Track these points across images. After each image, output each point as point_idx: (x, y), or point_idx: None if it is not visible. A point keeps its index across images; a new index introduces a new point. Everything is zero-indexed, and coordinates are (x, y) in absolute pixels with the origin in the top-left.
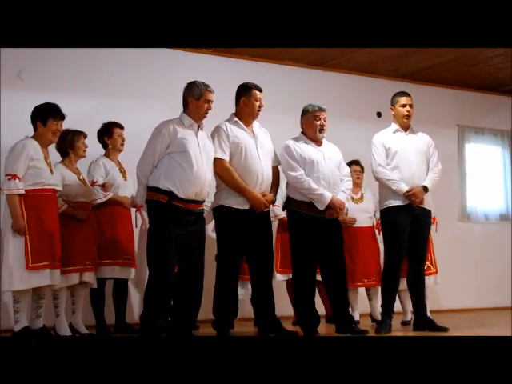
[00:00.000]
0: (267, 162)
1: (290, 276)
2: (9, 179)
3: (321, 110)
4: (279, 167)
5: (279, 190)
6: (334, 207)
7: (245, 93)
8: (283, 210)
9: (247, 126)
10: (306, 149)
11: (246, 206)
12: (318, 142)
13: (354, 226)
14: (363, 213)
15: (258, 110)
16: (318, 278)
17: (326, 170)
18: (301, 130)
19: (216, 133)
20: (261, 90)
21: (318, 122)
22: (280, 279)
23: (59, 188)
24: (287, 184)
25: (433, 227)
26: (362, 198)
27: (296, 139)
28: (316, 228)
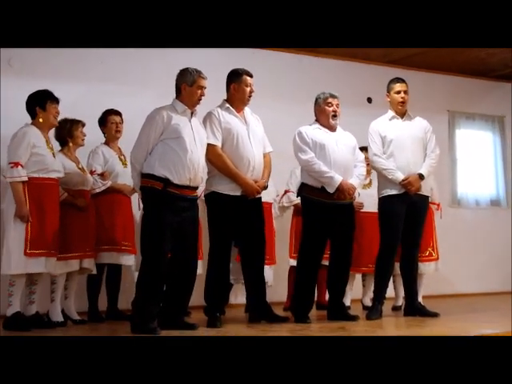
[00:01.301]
0: (259, 149)
1: None
2: (12, 167)
3: (332, 96)
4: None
5: (294, 176)
6: (342, 190)
7: (235, 79)
8: (297, 196)
9: (239, 112)
10: (319, 134)
11: (238, 192)
12: (332, 129)
13: (362, 210)
14: (371, 198)
15: (249, 96)
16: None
17: (337, 155)
18: (314, 117)
19: (208, 119)
20: (251, 76)
21: (331, 109)
22: (293, 265)
23: (61, 175)
24: (301, 170)
25: (437, 213)
26: (370, 183)
27: (310, 125)
28: (327, 215)
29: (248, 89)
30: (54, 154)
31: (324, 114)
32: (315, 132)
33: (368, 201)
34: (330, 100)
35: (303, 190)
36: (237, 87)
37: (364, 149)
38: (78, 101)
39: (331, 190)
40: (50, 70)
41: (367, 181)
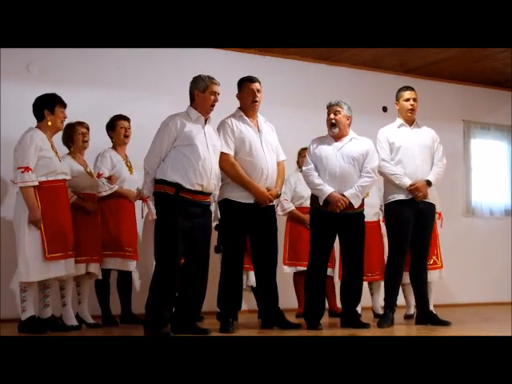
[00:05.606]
0: (272, 157)
1: (298, 269)
2: (22, 172)
3: (329, 105)
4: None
5: (288, 184)
6: (331, 203)
7: (239, 87)
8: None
9: (252, 120)
10: (324, 143)
11: (251, 200)
12: (335, 138)
13: None
14: (368, 207)
15: (254, 102)
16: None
17: (333, 165)
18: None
19: (221, 128)
20: (252, 81)
21: (328, 118)
22: (287, 271)
23: (68, 177)
24: None
25: (438, 222)
26: (367, 193)
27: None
28: (331, 224)
29: (250, 95)
30: (59, 157)
31: (327, 124)
32: (321, 142)
33: (367, 210)
34: (328, 109)
35: (312, 199)
36: (240, 96)
37: None
38: (95, 106)
39: (321, 202)
40: (67, 76)
41: None
